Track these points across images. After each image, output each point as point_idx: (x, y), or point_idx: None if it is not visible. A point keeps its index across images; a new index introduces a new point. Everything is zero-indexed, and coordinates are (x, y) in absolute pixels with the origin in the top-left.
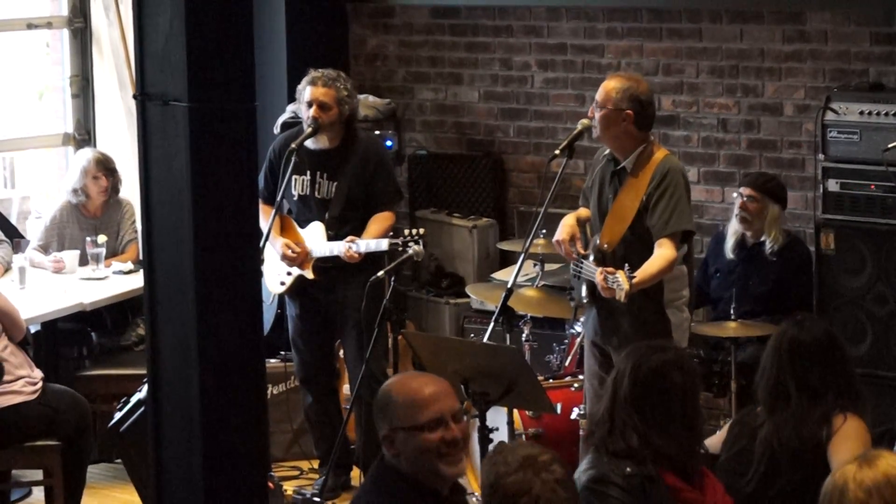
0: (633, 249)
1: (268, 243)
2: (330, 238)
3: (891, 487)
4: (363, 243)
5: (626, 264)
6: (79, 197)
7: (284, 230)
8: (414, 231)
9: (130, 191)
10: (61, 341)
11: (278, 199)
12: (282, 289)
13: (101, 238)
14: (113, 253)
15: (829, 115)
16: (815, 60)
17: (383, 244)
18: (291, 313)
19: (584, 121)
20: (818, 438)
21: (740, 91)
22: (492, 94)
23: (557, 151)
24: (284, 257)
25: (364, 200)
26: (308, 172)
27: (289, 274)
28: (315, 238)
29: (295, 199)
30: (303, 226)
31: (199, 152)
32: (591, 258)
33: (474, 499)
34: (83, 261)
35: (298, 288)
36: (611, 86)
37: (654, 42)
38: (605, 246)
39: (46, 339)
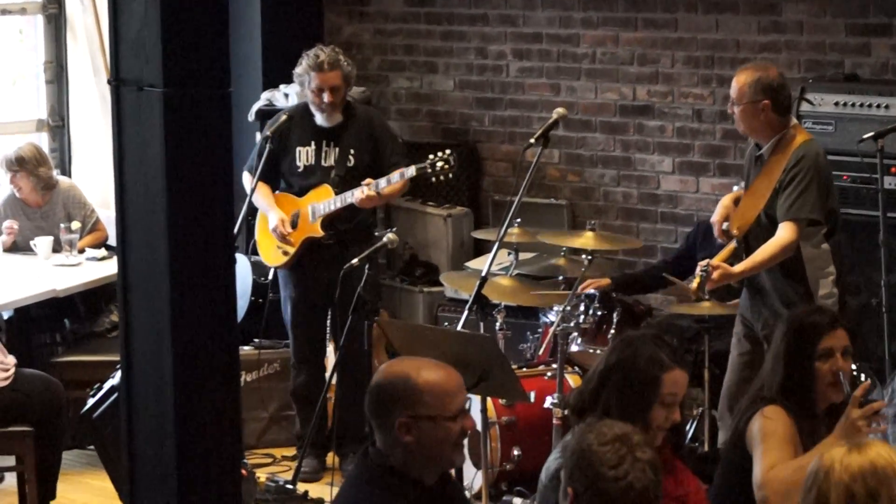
0: (769, 233)
1: (263, 218)
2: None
3: (876, 475)
4: (383, 179)
5: (708, 261)
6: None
7: (279, 205)
8: (440, 153)
9: (105, 178)
10: (34, 328)
11: (257, 168)
12: (284, 259)
13: (75, 224)
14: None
15: (804, 106)
16: (791, 51)
17: (409, 171)
18: (288, 294)
19: (560, 110)
20: None
21: (715, 81)
22: (467, 83)
23: (532, 140)
24: (275, 230)
25: (370, 165)
26: (313, 143)
27: (291, 244)
28: (322, 197)
29: (300, 170)
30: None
31: (174, 138)
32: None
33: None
34: (56, 247)
35: (297, 267)
36: (742, 80)
37: (630, 32)
38: (735, 231)
39: (19, 326)
